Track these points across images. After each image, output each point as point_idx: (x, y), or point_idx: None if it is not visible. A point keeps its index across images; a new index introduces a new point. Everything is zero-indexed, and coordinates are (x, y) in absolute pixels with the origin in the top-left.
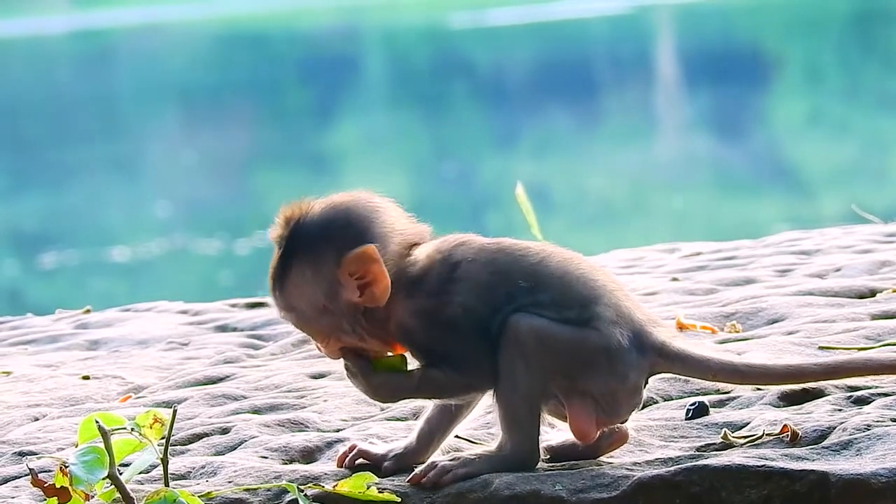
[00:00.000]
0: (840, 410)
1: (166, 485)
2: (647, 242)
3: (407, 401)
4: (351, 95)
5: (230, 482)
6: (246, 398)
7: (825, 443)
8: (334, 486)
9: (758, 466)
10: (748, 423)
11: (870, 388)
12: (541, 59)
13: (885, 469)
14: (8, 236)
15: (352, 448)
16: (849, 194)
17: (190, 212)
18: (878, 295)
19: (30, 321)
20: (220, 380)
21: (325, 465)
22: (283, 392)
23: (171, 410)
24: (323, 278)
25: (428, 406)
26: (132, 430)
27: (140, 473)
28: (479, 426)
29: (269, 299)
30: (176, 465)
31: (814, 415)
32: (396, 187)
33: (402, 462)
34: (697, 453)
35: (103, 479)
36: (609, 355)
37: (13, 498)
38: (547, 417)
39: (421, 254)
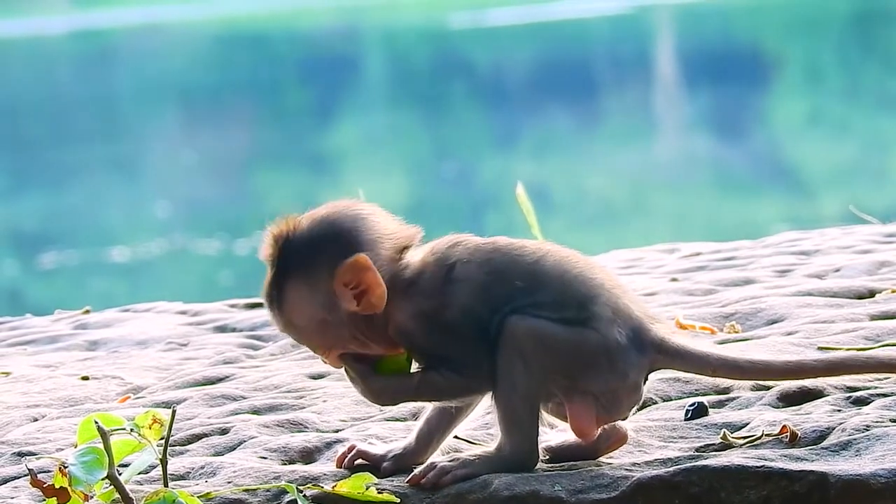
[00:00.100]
0: (839, 411)
1: (165, 485)
2: (646, 243)
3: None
4: (351, 95)
5: (229, 483)
6: (245, 398)
7: (824, 443)
8: (333, 487)
9: (757, 467)
10: (747, 424)
11: (869, 388)
12: (541, 60)
13: (884, 469)
14: (7, 236)
15: (351, 448)
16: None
17: (189, 212)
18: (877, 295)
19: (29, 321)
20: (220, 380)
21: (325, 466)
22: (283, 392)
23: (170, 411)
24: (319, 292)
25: (427, 407)
26: (131, 430)
27: (139, 474)
28: (479, 427)
29: (268, 317)
30: (175, 465)
31: (813, 415)
32: (396, 188)
33: (401, 463)
34: (697, 454)
35: (102, 479)
36: (608, 354)
37: (12, 498)
38: (547, 417)
39: (415, 256)
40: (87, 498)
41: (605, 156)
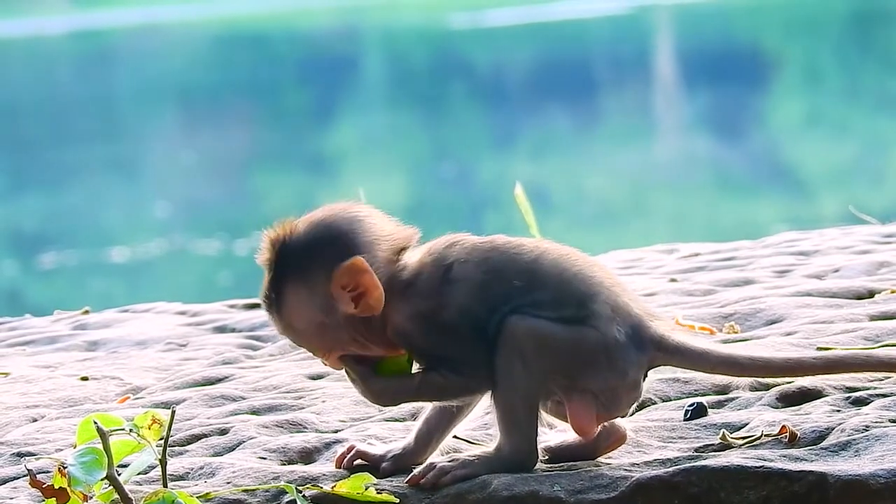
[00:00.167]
0: (838, 411)
1: (165, 486)
2: (645, 243)
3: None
4: (350, 96)
5: (228, 483)
6: (244, 399)
7: (823, 444)
8: (333, 487)
9: (756, 467)
10: (747, 424)
11: (868, 388)
12: (540, 60)
13: (883, 470)
14: (7, 236)
15: (350, 449)
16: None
17: (189, 212)
18: (876, 296)
19: (28, 322)
20: (219, 381)
21: (324, 466)
22: (282, 393)
23: (169, 411)
24: (317, 296)
25: (426, 407)
26: (131, 430)
27: (138, 474)
28: (478, 427)
29: (268, 319)
30: (174, 465)
31: (812, 416)
32: (395, 188)
33: (400, 463)
34: (696, 454)
35: (102, 479)
36: (607, 352)
37: (12, 499)
38: (546, 417)
39: (412, 257)
40: (86, 498)
41: (604, 156)
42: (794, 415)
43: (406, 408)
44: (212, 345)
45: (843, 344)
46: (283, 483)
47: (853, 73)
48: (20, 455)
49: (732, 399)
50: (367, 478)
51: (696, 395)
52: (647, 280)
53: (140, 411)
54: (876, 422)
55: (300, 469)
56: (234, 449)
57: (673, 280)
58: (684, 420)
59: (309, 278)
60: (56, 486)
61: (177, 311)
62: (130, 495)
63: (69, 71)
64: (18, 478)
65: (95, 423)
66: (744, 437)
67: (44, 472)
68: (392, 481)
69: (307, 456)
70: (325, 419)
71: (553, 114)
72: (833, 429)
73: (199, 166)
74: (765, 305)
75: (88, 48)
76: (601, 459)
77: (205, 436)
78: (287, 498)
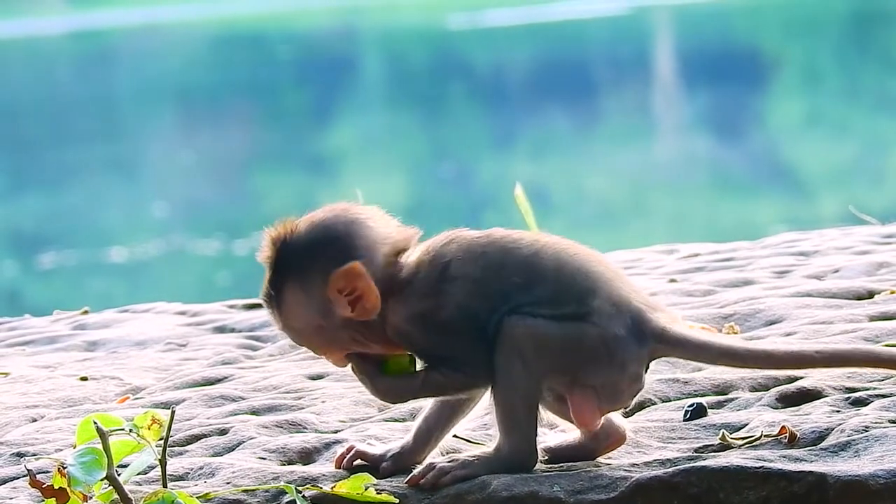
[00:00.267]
0: (838, 412)
1: (164, 486)
2: (645, 243)
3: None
4: (349, 96)
5: (228, 483)
6: (244, 399)
7: (823, 444)
8: (332, 488)
9: (756, 468)
10: (746, 425)
11: (868, 389)
12: (539, 60)
13: (882, 470)
14: (6, 237)
15: (350, 449)
16: (847, 195)
17: (188, 212)
18: (876, 296)
19: (28, 322)
20: (219, 381)
21: (323, 467)
22: (282, 393)
23: (169, 411)
24: (314, 298)
25: (426, 405)
26: (130, 431)
27: (138, 474)
28: (477, 427)
29: (268, 319)
30: (174, 466)
31: (812, 416)
32: (395, 188)
33: (400, 462)
34: (695, 454)
35: (101, 479)
36: (608, 348)
37: (11, 499)
38: (547, 417)
39: (411, 257)
40: (85, 498)
41: (603, 156)
42: (793, 415)
43: (405, 408)
44: (211, 345)
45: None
46: (282, 483)
47: (853, 74)
48: (20, 455)
49: (732, 399)
50: (367, 478)
51: (696, 396)
52: (646, 280)
53: (140, 411)
54: (875, 422)
55: (300, 469)
56: (233, 449)
57: (672, 280)
58: (684, 420)
59: (306, 281)
60: (56, 486)
61: (176, 311)
62: (130, 495)
63: (68, 71)
64: (18, 478)
65: (95, 423)
66: (743, 438)
67: (43, 472)
68: (392, 481)
69: (307, 456)
70: (325, 419)
71: (553, 114)
72: (833, 429)
73: (199, 166)
74: (764, 306)
75: (88, 48)
76: (601, 460)
77: (204, 436)
78: (287, 498)
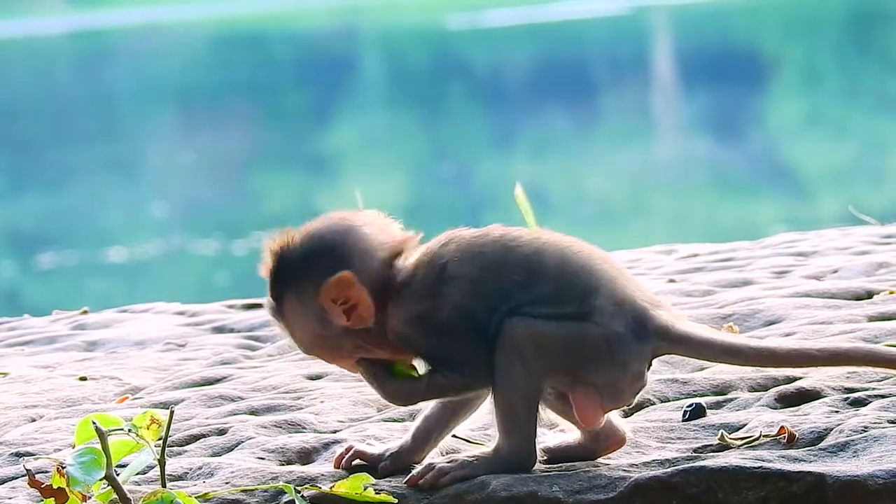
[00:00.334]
0: (837, 412)
1: (163, 486)
2: (644, 244)
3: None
4: (349, 96)
5: (227, 483)
6: (243, 399)
7: (822, 444)
8: (331, 488)
9: (755, 468)
10: (745, 425)
11: (867, 389)
12: (539, 60)
13: (881, 470)
14: (5, 237)
15: (349, 449)
16: (846, 195)
17: (187, 212)
18: (875, 297)
19: (27, 322)
20: (218, 381)
21: (322, 467)
22: (280, 393)
23: (168, 411)
24: (311, 308)
25: (426, 405)
26: (129, 431)
27: (137, 474)
28: (477, 427)
29: (271, 324)
30: (173, 465)
31: (811, 416)
32: (394, 188)
33: (398, 461)
34: (694, 455)
35: (100, 479)
36: (610, 347)
37: (10, 499)
38: (547, 417)
39: (409, 260)
40: (84, 498)
41: (603, 156)
42: (792, 415)
43: (405, 408)
44: (210, 345)
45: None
46: (281, 483)
47: (852, 74)
48: (19, 455)
49: (731, 400)
50: (366, 478)
51: (695, 396)
52: (646, 281)
53: (139, 411)
54: (874, 422)
55: (299, 469)
56: (232, 449)
57: (672, 281)
58: (683, 421)
59: (302, 292)
60: (55, 486)
61: (175, 311)
62: (129, 495)
63: (68, 71)
64: (17, 478)
65: (94, 423)
66: (742, 438)
67: (42, 472)
68: (391, 482)
69: (306, 456)
70: (324, 419)
71: (552, 114)
72: (831, 429)
73: (198, 166)
74: (763, 306)
75: (88, 48)
76: (600, 460)
77: (203, 436)
78: (285, 498)
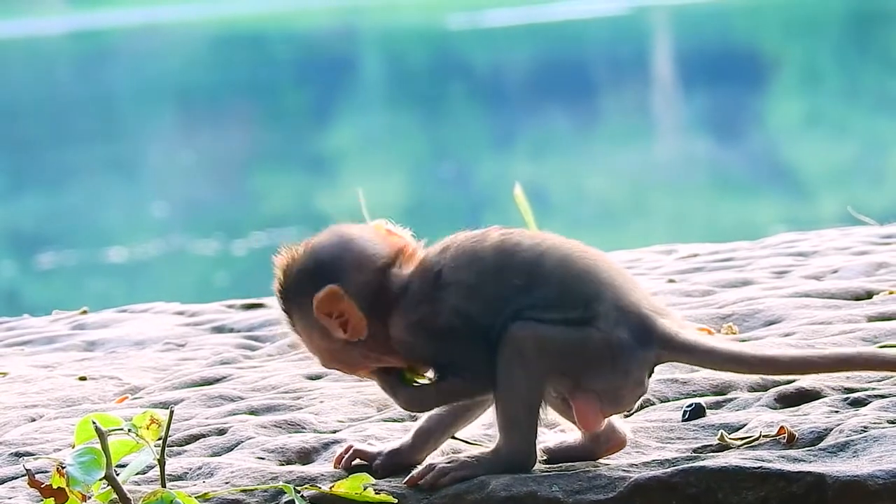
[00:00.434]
0: (836, 412)
1: (163, 486)
2: (644, 244)
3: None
4: (349, 96)
5: (227, 483)
6: (243, 399)
7: (822, 444)
8: (331, 488)
9: (754, 468)
10: (745, 425)
11: (866, 389)
12: (538, 60)
13: (881, 471)
14: (5, 237)
15: (348, 449)
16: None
17: (187, 212)
18: (874, 297)
19: (26, 322)
20: (217, 381)
21: (322, 467)
22: (280, 393)
23: (167, 411)
24: (311, 323)
25: None
26: (129, 430)
27: (137, 474)
28: (477, 427)
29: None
30: (173, 465)
31: (810, 416)
32: (394, 188)
33: (394, 458)
34: (694, 455)
35: (100, 479)
36: (612, 354)
37: (10, 499)
38: (548, 417)
39: (408, 267)
40: (84, 498)
41: (603, 156)
42: (792, 415)
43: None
44: (210, 345)
45: (841, 345)
46: (281, 483)
47: (852, 74)
48: (18, 455)
49: (731, 400)
50: (366, 478)
51: (695, 396)
52: (645, 281)
53: (138, 411)
54: (874, 423)
55: (298, 469)
56: (232, 449)
57: (671, 281)
58: (682, 421)
59: (302, 307)
60: (54, 486)
61: (175, 311)
62: (129, 495)
63: (68, 71)
64: (17, 478)
65: (94, 422)
66: (742, 438)
67: (42, 472)
68: (391, 482)
69: (305, 456)
70: (324, 419)
71: (552, 114)
72: (831, 430)
73: (198, 166)
74: (763, 306)
75: (88, 48)
76: (599, 460)
77: (203, 436)
78: (285, 498)
